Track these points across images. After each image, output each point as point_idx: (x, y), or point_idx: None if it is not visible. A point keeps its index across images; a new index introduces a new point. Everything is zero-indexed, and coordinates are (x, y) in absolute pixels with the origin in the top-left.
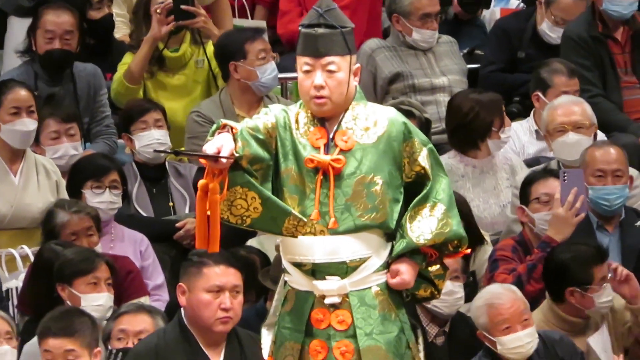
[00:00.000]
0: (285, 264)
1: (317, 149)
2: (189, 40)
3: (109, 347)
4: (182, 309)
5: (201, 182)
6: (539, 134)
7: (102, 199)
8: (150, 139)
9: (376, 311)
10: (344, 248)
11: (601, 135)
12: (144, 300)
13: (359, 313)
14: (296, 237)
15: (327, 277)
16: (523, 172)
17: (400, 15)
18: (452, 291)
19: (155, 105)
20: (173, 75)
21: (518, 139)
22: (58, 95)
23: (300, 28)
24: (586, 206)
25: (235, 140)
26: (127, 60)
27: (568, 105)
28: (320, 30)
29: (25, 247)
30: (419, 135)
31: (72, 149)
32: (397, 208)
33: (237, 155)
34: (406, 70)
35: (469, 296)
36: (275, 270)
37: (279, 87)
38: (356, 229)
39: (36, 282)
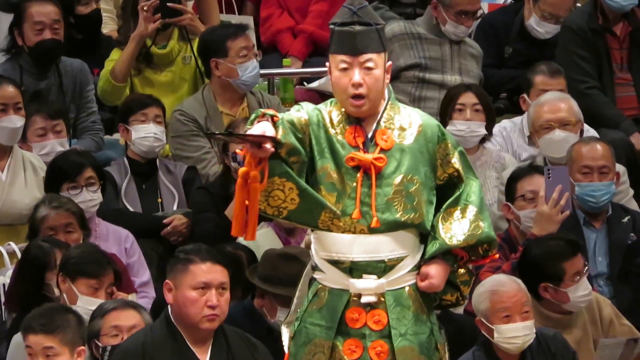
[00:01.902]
0: (318, 261)
1: (356, 147)
2: (177, 37)
3: (99, 344)
4: (169, 306)
5: (242, 169)
6: (531, 139)
7: (80, 199)
8: (148, 132)
9: (410, 312)
10: (384, 246)
11: (590, 131)
12: (131, 297)
13: (394, 313)
14: (332, 231)
15: (364, 275)
16: (511, 169)
17: (440, 3)
18: None
19: (157, 102)
20: (160, 72)
21: (510, 141)
22: (44, 92)
23: (332, 27)
24: (570, 203)
25: (276, 128)
26: (115, 57)
27: (554, 102)
28: (358, 28)
29: (12, 243)
30: (450, 138)
31: (58, 145)
32: (431, 209)
33: (281, 140)
34: (423, 62)
35: None
36: (264, 267)
37: (266, 83)
38: (396, 228)
39: (23, 279)
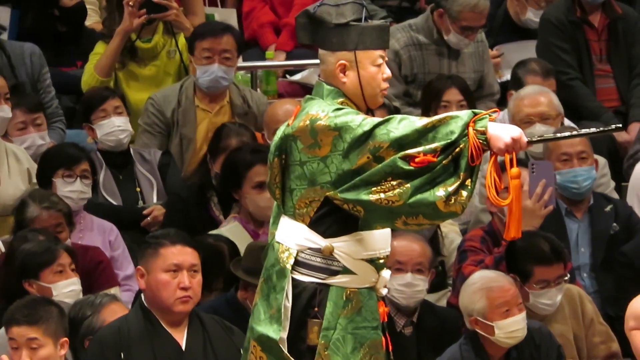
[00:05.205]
0: (351, 263)
1: None
2: (162, 31)
3: None
4: (142, 292)
5: (517, 170)
6: None
7: (73, 187)
8: (111, 127)
9: None
10: None
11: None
12: (114, 290)
13: None
14: (377, 228)
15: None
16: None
17: (446, 13)
18: (411, 283)
19: (113, 93)
20: (145, 66)
21: None
22: (22, 86)
23: (355, 24)
24: (554, 198)
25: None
26: (99, 50)
27: (534, 95)
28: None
29: None
30: None
31: (39, 138)
32: None
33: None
34: (422, 73)
35: (438, 285)
36: (248, 260)
37: (249, 76)
38: None
39: (8, 271)
